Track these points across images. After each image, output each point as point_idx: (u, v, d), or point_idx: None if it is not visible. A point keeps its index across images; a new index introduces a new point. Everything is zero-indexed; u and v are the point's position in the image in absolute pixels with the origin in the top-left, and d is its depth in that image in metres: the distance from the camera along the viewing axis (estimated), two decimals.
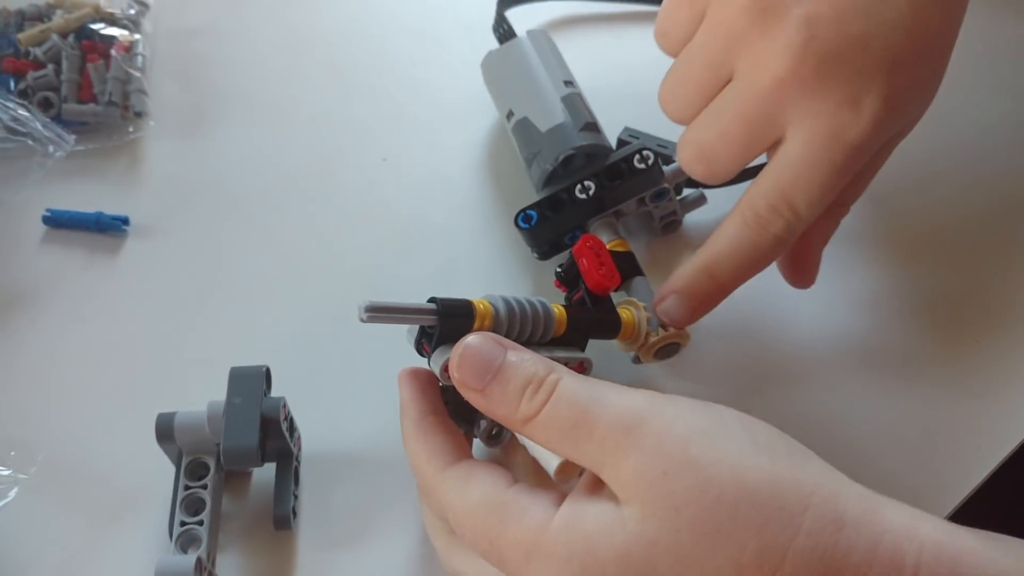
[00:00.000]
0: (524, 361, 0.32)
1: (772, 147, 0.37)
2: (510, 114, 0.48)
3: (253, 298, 0.47)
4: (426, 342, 0.35)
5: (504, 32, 0.54)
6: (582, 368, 0.38)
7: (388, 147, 0.53)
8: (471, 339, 0.33)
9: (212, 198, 0.51)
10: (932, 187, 0.51)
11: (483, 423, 0.37)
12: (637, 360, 0.42)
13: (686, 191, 0.49)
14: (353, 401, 0.44)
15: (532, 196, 0.46)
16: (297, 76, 0.56)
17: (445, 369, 0.34)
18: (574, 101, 0.47)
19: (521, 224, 0.45)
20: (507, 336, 0.35)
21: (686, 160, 0.39)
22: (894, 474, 0.41)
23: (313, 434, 0.42)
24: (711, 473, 0.28)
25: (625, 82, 0.53)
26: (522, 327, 0.36)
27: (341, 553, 0.39)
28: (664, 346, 0.41)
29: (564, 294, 0.42)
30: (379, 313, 0.33)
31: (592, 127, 0.47)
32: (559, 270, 0.42)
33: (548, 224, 0.45)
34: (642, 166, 0.45)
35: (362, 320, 0.32)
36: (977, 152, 0.53)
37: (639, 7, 0.59)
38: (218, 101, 0.55)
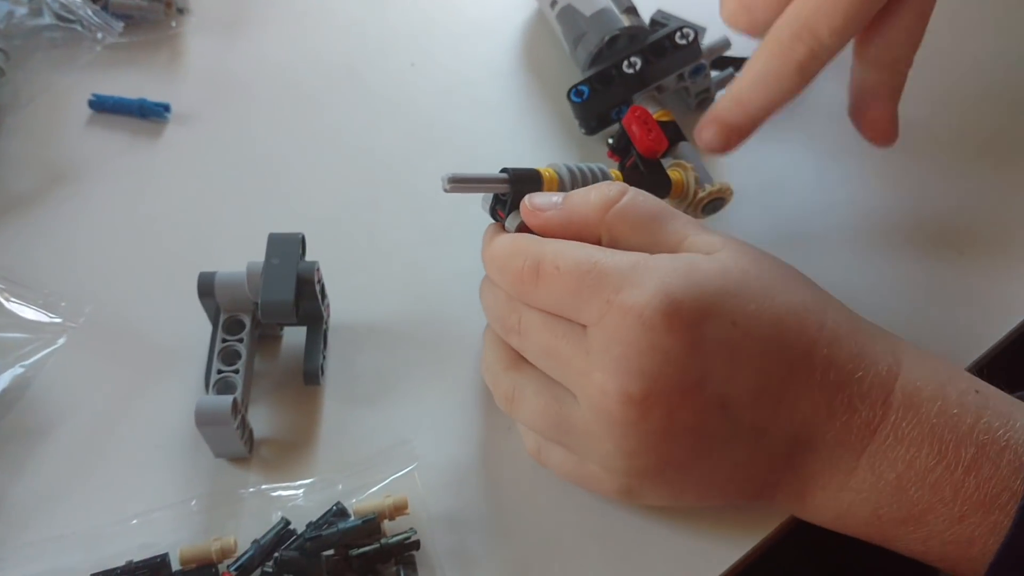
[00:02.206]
0: None
1: None
2: (554, 2, 0.52)
3: (286, 182, 0.50)
4: (500, 208, 0.39)
5: None
6: None
7: (416, 53, 0.56)
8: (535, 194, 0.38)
9: (249, 91, 0.54)
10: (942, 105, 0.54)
11: None
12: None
13: (715, 73, 0.52)
14: (378, 279, 0.47)
15: (547, 102, 0.49)
16: None
17: (518, 230, 0.38)
18: None
19: (574, 98, 0.49)
20: None
21: (728, 13, 0.41)
22: None
23: (341, 306, 0.45)
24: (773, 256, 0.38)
25: None
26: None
27: (362, 408, 0.43)
28: (710, 201, 0.45)
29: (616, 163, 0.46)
30: (459, 183, 0.37)
31: (632, 10, 0.51)
32: (611, 141, 0.46)
33: (598, 98, 0.49)
34: (683, 42, 0.49)
35: (445, 190, 0.36)
36: (982, 75, 0.55)
37: None
38: (256, 1, 0.57)
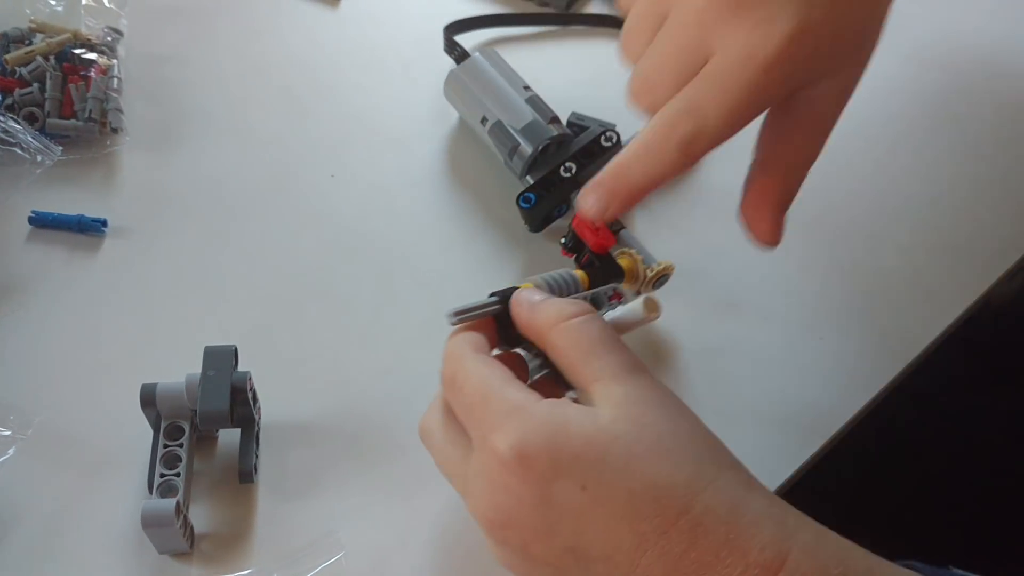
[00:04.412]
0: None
1: None
2: (484, 120, 0.59)
3: (218, 291, 0.55)
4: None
5: (458, 54, 0.63)
6: (618, 295, 0.49)
7: (336, 165, 0.61)
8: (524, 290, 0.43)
9: (181, 204, 0.58)
10: None
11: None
12: (638, 292, 0.53)
13: None
14: (305, 380, 0.52)
15: (461, 201, 0.57)
16: (255, 100, 0.64)
17: None
18: (536, 101, 0.59)
19: (523, 205, 0.56)
20: None
21: (634, 92, 0.42)
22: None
23: (271, 406, 0.50)
24: (676, 412, 0.38)
25: (548, 87, 0.61)
26: (560, 293, 0.46)
27: (294, 502, 0.47)
28: (658, 278, 0.53)
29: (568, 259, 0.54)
30: (461, 315, 0.42)
31: (556, 120, 0.58)
32: (563, 241, 0.53)
33: (543, 202, 0.56)
34: (608, 144, 0.57)
35: (452, 324, 0.42)
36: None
37: (548, 28, 0.71)
38: (185, 120, 0.62)
